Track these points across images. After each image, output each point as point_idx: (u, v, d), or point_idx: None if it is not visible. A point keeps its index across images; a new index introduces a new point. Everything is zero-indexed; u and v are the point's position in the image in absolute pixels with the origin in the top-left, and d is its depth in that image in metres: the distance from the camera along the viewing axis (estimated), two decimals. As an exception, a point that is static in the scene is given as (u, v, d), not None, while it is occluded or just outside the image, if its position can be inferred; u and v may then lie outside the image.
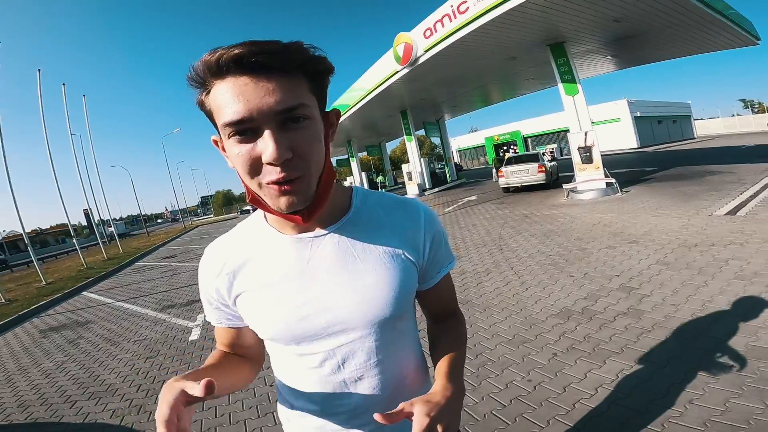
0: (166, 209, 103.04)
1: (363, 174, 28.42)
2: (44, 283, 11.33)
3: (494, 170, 16.67)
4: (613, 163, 15.17)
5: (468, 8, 8.83)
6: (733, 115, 51.76)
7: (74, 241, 15.89)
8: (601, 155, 9.79)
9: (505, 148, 42.02)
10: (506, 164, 13.19)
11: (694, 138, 40.83)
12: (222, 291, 0.73)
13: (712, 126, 46.49)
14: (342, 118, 18.17)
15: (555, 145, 36.10)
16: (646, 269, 4.07)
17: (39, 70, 14.86)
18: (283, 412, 0.84)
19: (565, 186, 10.23)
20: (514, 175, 12.69)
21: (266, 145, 0.53)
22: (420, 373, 0.81)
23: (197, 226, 35.43)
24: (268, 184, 0.56)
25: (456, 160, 39.46)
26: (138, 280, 9.98)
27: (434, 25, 10.11)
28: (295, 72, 0.55)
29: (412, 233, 0.72)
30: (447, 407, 0.61)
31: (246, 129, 0.54)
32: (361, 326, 0.68)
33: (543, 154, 14.64)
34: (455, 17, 9.27)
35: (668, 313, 3.04)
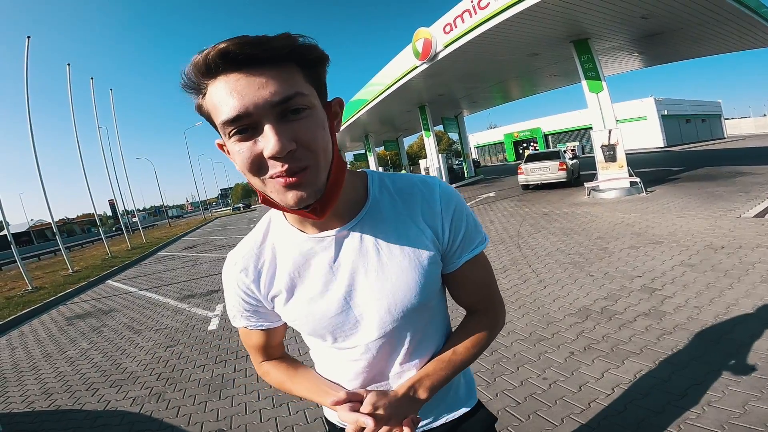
0: (187, 201, 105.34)
1: (380, 168, 28.45)
2: (71, 271, 11.74)
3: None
4: (638, 161, 14.78)
5: (489, 3, 8.70)
6: (765, 115, 49.76)
7: (100, 230, 16.44)
8: (626, 154, 9.55)
9: (524, 145, 41.49)
10: (526, 161, 12.99)
11: (724, 138, 39.42)
12: (258, 294, 0.74)
13: (743, 126, 44.83)
14: (360, 113, 18.15)
15: (577, 143, 35.39)
16: (670, 270, 3.97)
17: (69, 64, 15.39)
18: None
19: (586, 184, 10.01)
20: (534, 172, 12.49)
21: (267, 140, 0.51)
22: None
23: (217, 218, 36.17)
24: (273, 178, 0.54)
25: (474, 157, 39.11)
26: (160, 270, 10.26)
27: (454, 21, 10.00)
28: (285, 62, 0.53)
29: (429, 215, 0.71)
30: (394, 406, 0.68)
31: (245, 126, 0.52)
32: (390, 318, 0.69)
33: (564, 151, 14.35)
34: (476, 13, 9.15)
35: (691, 314, 2.96)
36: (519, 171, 12.97)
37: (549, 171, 12.22)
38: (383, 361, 0.73)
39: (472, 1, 9.15)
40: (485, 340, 0.78)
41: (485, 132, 50.78)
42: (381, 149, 33.66)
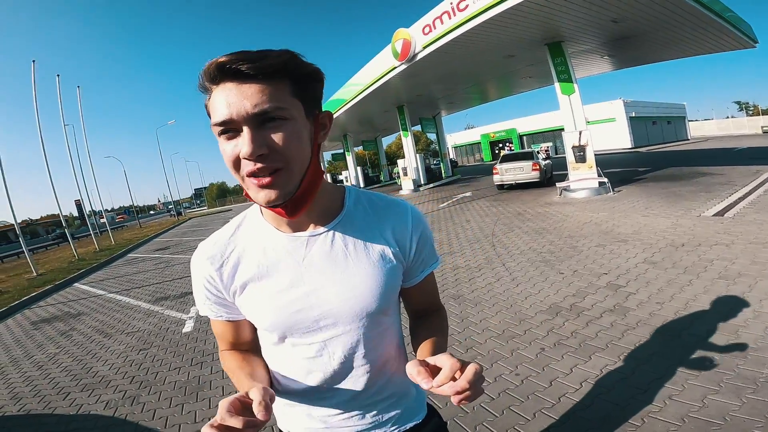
0: (159, 201, 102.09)
1: (359, 168, 28.41)
2: (35, 274, 11.25)
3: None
4: (606, 162, 15.30)
5: (468, 6, 8.83)
6: (728, 117, 52.27)
7: (66, 231, 15.77)
8: (595, 155, 9.89)
9: (500, 145, 42.21)
10: (501, 161, 13.25)
11: (688, 139, 41.15)
12: (219, 285, 0.76)
13: (706, 127, 46.89)
14: (339, 113, 18.04)
15: (550, 144, 36.23)
16: (634, 267, 4.16)
17: (34, 61, 14.62)
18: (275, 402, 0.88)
19: (558, 184, 10.31)
20: (509, 172, 12.76)
21: (243, 142, 0.60)
22: (401, 363, 0.86)
23: (190, 218, 35.28)
24: (248, 176, 0.62)
25: (452, 157, 39.52)
26: (130, 272, 9.95)
27: (433, 22, 10.10)
28: (277, 77, 0.60)
29: (400, 233, 0.78)
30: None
31: (230, 129, 0.60)
32: (349, 320, 0.74)
33: (538, 152, 14.70)
34: (454, 14, 9.27)
35: (653, 310, 3.12)
36: (494, 171, 13.21)
37: (523, 171, 12.50)
38: (336, 361, 0.76)
39: (451, 3, 9.26)
40: (447, 328, 0.88)
41: (463, 132, 51.36)
42: (359, 149, 33.61)
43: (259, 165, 0.60)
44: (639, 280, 3.79)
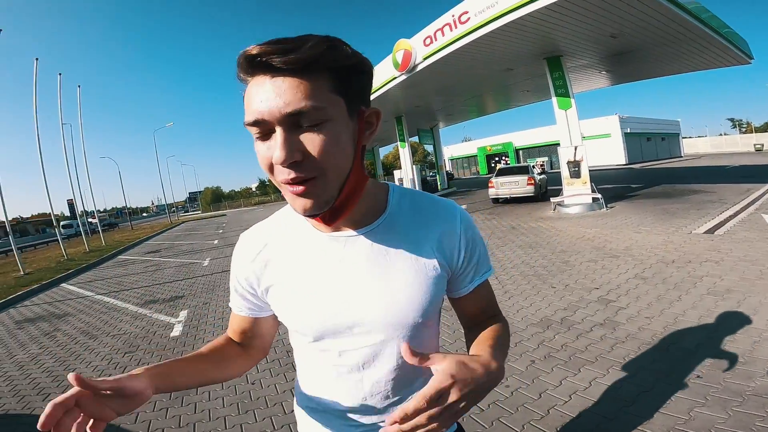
0: (152, 203, 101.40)
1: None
2: (22, 273, 11.08)
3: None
4: (600, 178, 15.44)
5: (469, 18, 8.94)
6: (721, 135, 52.90)
7: (56, 231, 15.60)
8: (590, 170, 9.97)
9: (496, 159, 42.52)
10: (497, 175, 13.34)
11: (681, 156, 41.60)
12: (252, 279, 0.74)
13: (700, 144, 47.44)
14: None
15: (546, 158, 36.49)
16: (624, 283, 4.18)
17: (36, 59, 14.61)
18: (299, 406, 0.85)
19: (552, 199, 10.39)
20: (504, 186, 12.83)
21: (275, 147, 0.53)
22: None
23: (183, 222, 35.06)
24: (284, 183, 0.56)
25: (448, 169, 39.70)
26: (120, 274, 9.83)
27: (434, 34, 10.21)
28: (314, 70, 0.52)
29: (447, 237, 0.70)
30: (477, 378, 0.55)
31: (262, 129, 0.54)
32: (384, 329, 0.68)
33: (533, 166, 14.81)
34: (456, 27, 9.38)
35: (642, 325, 3.14)
36: (489, 185, 13.28)
37: (518, 185, 12.58)
38: (367, 370, 0.71)
39: (453, 15, 9.37)
40: (507, 332, 0.76)
41: (460, 144, 51.73)
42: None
43: (292, 174, 0.53)
44: (629, 295, 3.81)
